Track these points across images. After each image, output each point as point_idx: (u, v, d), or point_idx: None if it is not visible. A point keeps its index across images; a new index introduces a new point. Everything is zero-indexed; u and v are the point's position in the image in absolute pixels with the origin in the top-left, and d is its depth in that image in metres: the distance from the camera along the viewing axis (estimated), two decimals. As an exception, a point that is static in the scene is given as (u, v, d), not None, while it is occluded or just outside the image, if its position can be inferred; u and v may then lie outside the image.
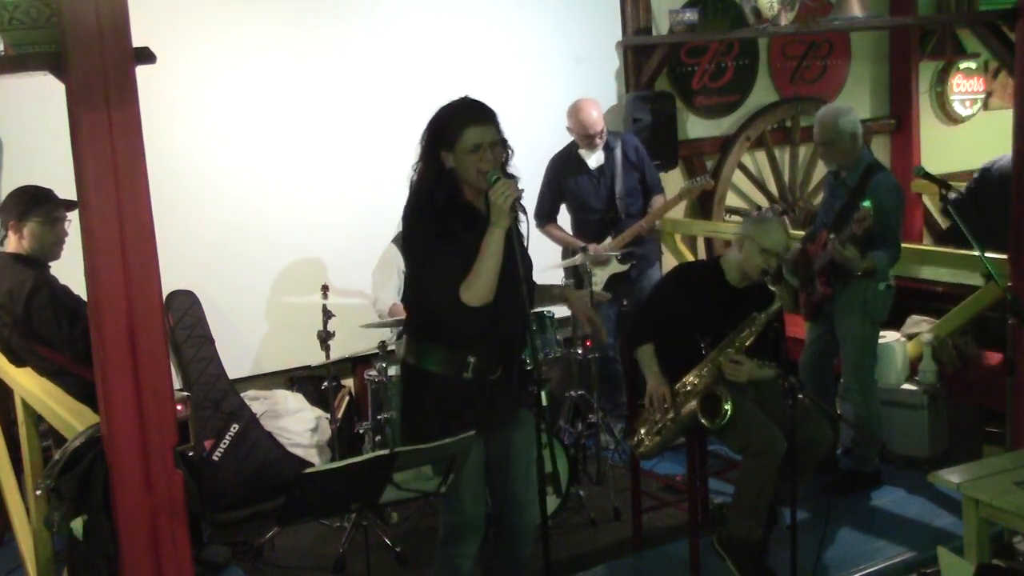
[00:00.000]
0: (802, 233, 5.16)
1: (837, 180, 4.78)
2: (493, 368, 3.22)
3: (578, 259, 5.10)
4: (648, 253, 5.55)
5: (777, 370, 3.88)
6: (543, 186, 5.53)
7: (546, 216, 5.53)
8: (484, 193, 3.15)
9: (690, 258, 6.39)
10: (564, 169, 5.47)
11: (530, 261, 3.23)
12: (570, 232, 5.57)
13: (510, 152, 3.18)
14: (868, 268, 4.48)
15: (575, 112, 5.35)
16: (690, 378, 4.00)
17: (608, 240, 5.41)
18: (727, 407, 3.84)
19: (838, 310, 4.73)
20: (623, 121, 6.17)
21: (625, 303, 5.36)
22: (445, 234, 3.09)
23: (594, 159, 5.41)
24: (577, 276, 5.24)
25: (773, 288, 3.94)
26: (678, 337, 4.05)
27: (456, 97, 3.19)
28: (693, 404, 3.94)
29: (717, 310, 4.06)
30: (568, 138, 5.48)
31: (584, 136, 5.34)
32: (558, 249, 5.61)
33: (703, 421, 3.90)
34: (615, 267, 5.38)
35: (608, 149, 5.41)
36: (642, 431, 4.09)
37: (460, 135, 3.07)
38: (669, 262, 6.11)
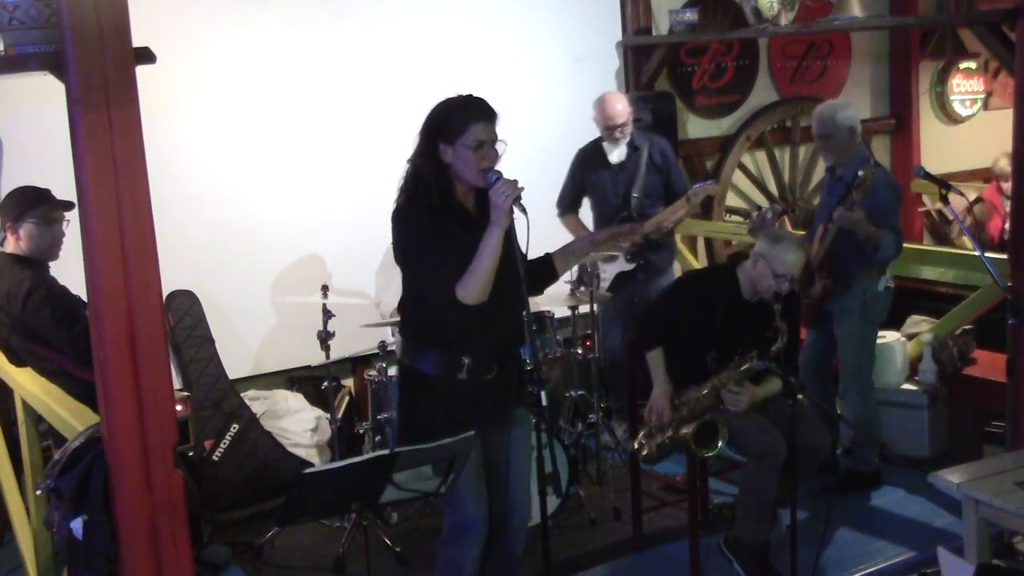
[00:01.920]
0: (802, 232, 5.15)
1: (834, 178, 4.78)
2: (488, 368, 3.21)
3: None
4: (659, 261, 5.42)
5: (782, 375, 3.86)
6: (567, 176, 5.52)
7: (566, 206, 5.50)
8: (474, 192, 3.14)
9: (690, 257, 6.39)
10: (586, 161, 5.45)
11: (526, 260, 3.21)
12: (590, 227, 5.47)
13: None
14: (874, 239, 4.45)
15: (600, 103, 5.32)
16: (691, 399, 4.00)
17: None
18: (720, 443, 3.87)
19: (837, 311, 4.72)
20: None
21: (636, 300, 5.34)
22: (441, 232, 3.08)
23: (615, 154, 5.35)
24: (582, 271, 5.20)
25: (778, 325, 3.91)
26: (685, 343, 4.05)
27: (458, 94, 3.17)
28: (690, 428, 3.94)
29: (725, 321, 4.04)
30: (593, 133, 5.41)
31: (605, 128, 5.29)
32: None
33: (693, 449, 3.92)
34: (622, 265, 5.34)
35: (633, 148, 5.34)
36: (642, 439, 4.10)
37: (464, 130, 3.05)
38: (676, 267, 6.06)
